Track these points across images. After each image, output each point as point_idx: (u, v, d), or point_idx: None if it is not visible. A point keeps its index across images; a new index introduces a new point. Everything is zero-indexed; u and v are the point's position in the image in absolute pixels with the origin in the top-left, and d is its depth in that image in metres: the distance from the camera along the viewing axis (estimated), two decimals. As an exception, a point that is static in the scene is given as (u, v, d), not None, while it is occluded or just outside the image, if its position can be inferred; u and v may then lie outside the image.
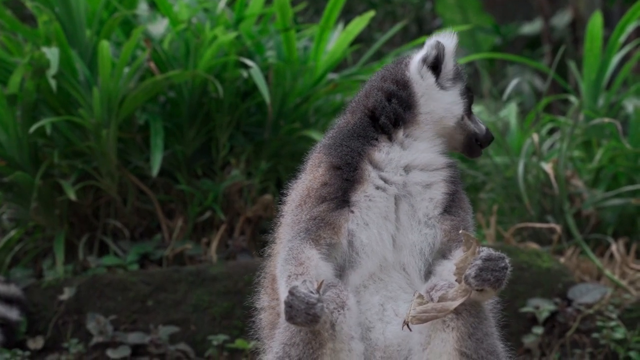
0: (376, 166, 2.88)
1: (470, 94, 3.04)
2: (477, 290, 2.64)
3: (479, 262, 2.64)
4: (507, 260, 2.66)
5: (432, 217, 2.86)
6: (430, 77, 2.96)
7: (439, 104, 2.97)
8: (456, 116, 2.99)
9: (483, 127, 3.06)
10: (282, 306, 2.63)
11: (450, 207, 2.89)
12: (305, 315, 2.59)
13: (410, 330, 2.69)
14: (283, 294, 2.69)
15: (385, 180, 2.87)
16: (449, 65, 2.97)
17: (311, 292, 2.60)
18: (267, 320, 2.97)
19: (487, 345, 2.70)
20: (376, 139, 2.92)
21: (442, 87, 2.98)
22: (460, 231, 2.75)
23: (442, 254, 2.86)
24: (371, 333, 2.78)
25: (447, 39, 2.98)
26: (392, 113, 2.93)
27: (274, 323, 2.87)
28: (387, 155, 2.89)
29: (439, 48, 2.96)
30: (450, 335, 2.68)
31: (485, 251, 2.66)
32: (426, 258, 2.84)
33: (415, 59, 2.99)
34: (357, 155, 2.88)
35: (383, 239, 2.83)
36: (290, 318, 2.61)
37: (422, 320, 2.65)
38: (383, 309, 2.80)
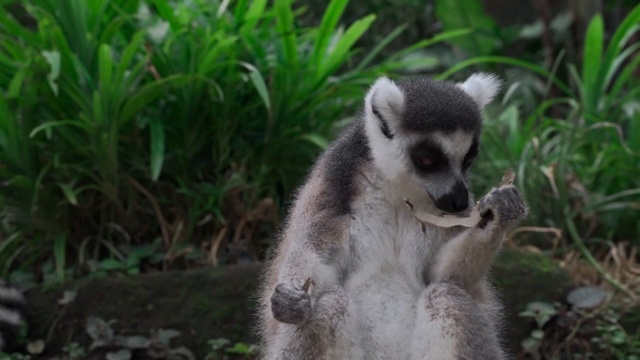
0: (371, 183, 2.88)
1: (427, 153, 2.72)
2: (487, 211, 2.69)
3: (505, 186, 2.70)
4: (527, 209, 2.73)
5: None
6: (375, 120, 2.80)
7: (381, 152, 2.80)
8: (396, 172, 2.77)
9: (446, 189, 2.73)
10: (269, 303, 2.66)
11: None
12: (289, 311, 2.61)
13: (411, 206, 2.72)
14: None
15: (383, 195, 2.87)
16: (386, 114, 2.76)
17: (296, 288, 2.63)
18: (270, 316, 2.97)
19: (486, 352, 2.70)
20: (364, 155, 2.88)
21: (389, 135, 2.78)
22: (508, 168, 2.77)
23: None
24: (372, 332, 2.79)
25: (382, 86, 2.76)
26: (364, 141, 2.86)
27: (276, 320, 2.88)
28: (378, 178, 2.86)
29: (374, 94, 2.77)
30: (450, 341, 2.69)
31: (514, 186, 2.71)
32: (425, 257, 2.85)
33: (367, 98, 2.82)
34: (349, 169, 2.89)
35: (384, 242, 2.85)
36: (276, 314, 2.64)
37: (422, 220, 2.73)
38: (384, 308, 2.81)
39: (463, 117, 2.73)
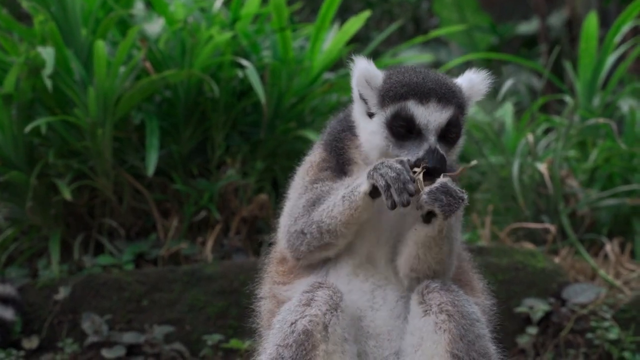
0: (360, 159, 2.94)
1: (401, 122, 2.78)
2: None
3: (438, 180, 2.71)
4: (464, 195, 2.74)
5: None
6: (360, 106, 2.90)
7: (364, 133, 2.90)
8: (377, 148, 2.84)
9: (419, 153, 2.75)
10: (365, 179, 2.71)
11: None
12: (397, 179, 2.64)
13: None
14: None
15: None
16: (365, 92, 2.85)
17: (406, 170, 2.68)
18: (266, 308, 3.00)
19: (479, 347, 2.72)
20: (351, 131, 2.97)
21: (371, 115, 2.87)
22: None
23: None
24: (363, 322, 2.82)
25: (358, 63, 2.86)
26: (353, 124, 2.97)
27: (272, 312, 2.91)
28: (366, 157, 2.92)
29: (354, 73, 2.87)
30: (442, 337, 2.71)
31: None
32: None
33: (353, 82, 2.91)
34: (341, 142, 2.97)
35: (372, 223, 2.88)
36: (380, 175, 2.67)
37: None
38: (373, 297, 2.86)
39: (439, 90, 2.79)
